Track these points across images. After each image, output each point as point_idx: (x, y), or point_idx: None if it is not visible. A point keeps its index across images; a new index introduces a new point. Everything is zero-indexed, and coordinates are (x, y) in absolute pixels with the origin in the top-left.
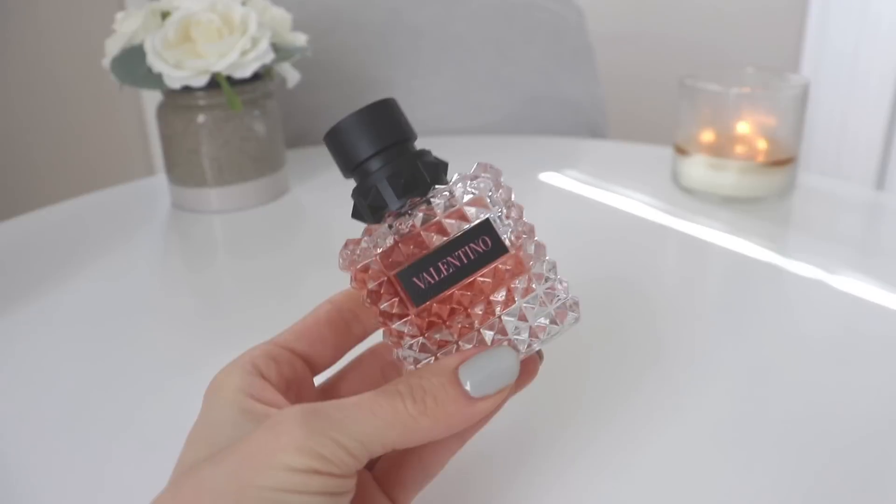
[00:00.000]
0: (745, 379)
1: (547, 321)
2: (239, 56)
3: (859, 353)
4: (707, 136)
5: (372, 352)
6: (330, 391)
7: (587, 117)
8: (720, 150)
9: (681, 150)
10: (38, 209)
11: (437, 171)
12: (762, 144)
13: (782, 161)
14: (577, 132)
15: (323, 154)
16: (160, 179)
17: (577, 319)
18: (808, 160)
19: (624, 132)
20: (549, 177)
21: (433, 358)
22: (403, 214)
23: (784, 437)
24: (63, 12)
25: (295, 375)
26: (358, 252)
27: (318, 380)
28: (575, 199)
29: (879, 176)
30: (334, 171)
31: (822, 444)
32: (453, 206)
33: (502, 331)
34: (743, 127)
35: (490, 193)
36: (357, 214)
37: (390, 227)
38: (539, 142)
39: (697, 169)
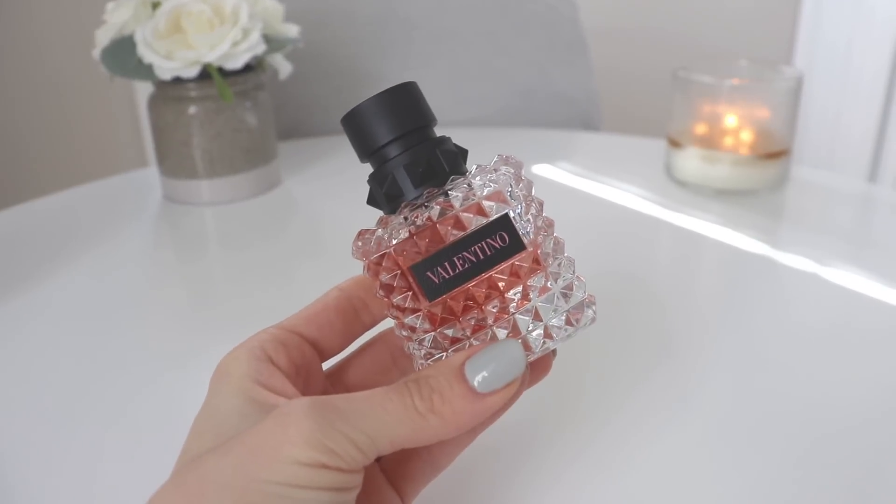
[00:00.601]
0: (738, 371)
1: (562, 321)
2: (230, 47)
3: (852, 344)
4: (700, 128)
5: (382, 336)
6: (338, 375)
7: (581, 110)
8: (713, 142)
9: (674, 143)
10: (30, 200)
11: (455, 159)
12: (755, 137)
13: (775, 153)
14: (571, 125)
15: (315, 146)
16: (152, 171)
17: (593, 320)
18: (801, 153)
19: (617, 125)
20: (542, 169)
21: (444, 354)
22: (420, 206)
23: (775, 427)
24: (56, 2)
25: (304, 360)
26: (372, 242)
27: (325, 365)
28: (568, 191)
29: (872, 169)
30: (326, 164)
31: (813, 435)
32: (471, 200)
33: (516, 329)
34: (736, 119)
35: (510, 188)
36: (372, 201)
37: (405, 218)
38: (532, 134)
39: (690, 161)
